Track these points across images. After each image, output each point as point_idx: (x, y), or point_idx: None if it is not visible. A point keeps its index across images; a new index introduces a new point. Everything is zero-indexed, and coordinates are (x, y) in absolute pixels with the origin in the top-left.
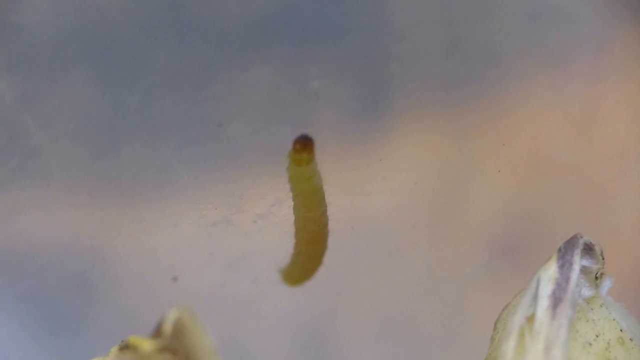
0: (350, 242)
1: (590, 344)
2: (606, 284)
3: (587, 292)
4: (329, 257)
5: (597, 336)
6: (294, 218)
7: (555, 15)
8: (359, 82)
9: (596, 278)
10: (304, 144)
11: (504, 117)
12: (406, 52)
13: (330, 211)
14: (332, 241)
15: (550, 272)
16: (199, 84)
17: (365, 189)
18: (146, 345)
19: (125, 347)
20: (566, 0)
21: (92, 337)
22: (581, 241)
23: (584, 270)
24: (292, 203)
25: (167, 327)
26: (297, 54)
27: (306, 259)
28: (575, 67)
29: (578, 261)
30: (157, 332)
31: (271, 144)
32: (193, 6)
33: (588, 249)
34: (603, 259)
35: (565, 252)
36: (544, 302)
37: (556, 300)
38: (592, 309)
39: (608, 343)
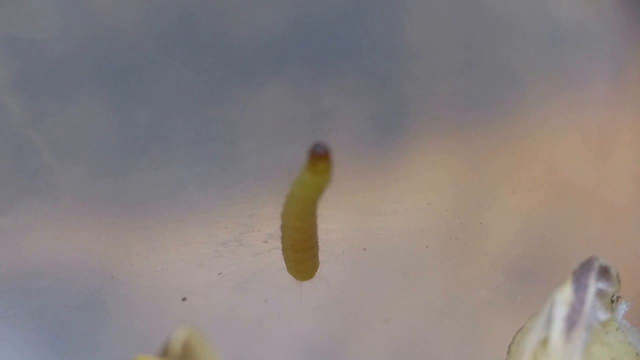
0: (362, 263)
1: None
2: (622, 307)
3: (602, 315)
4: (340, 278)
5: None
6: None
7: (573, 37)
8: (372, 101)
9: (612, 301)
10: (322, 154)
11: (520, 138)
12: (421, 71)
13: (343, 231)
14: (344, 262)
15: (565, 295)
16: (210, 102)
17: (378, 210)
18: None
19: None
20: (584, 22)
21: (100, 357)
22: (597, 264)
23: (599, 293)
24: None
25: (176, 347)
26: (310, 72)
27: (295, 263)
28: (592, 89)
29: (593, 284)
30: (165, 352)
31: (283, 163)
32: (204, 24)
33: (604, 272)
34: (619, 282)
35: (580, 274)
36: (558, 325)
37: (571, 323)
38: (607, 333)
39: None
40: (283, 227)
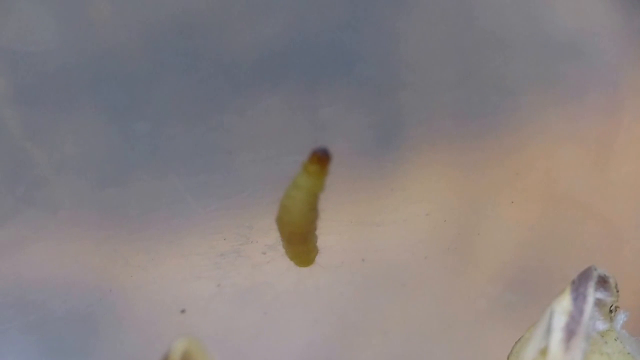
0: (360, 274)
1: None
2: (621, 317)
3: (601, 325)
4: (339, 290)
5: None
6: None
7: (570, 47)
8: (370, 111)
9: (610, 311)
10: (323, 156)
11: (518, 149)
12: (418, 81)
13: (341, 242)
14: (343, 273)
15: (564, 305)
16: (209, 112)
17: (376, 220)
18: None
19: None
20: (580, 33)
21: None
22: (595, 273)
23: (598, 303)
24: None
25: (175, 358)
26: (308, 83)
27: (294, 255)
28: (590, 99)
29: (592, 294)
30: None
31: (281, 174)
32: (203, 35)
33: (602, 282)
34: (618, 291)
35: (579, 284)
36: (557, 335)
37: (570, 333)
38: (606, 343)
39: None
40: (281, 232)
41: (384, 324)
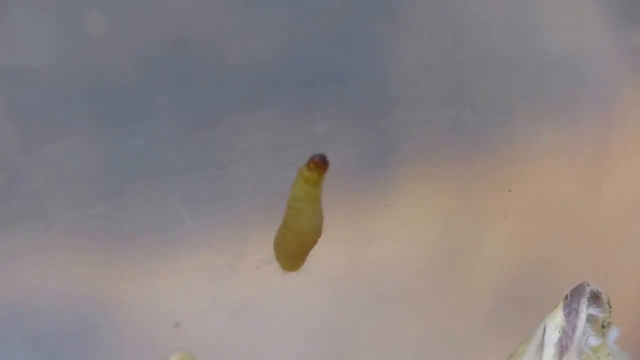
0: (354, 289)
1: None
2: (613, 333)
3: (593, 340)
4: (332, 304)
5: None
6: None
7: (564, 62)
8: (364, 126)
9: (603, 327)
10: (318, 164)
11: (511, 164)
12: (412, 97)
13: (335, 257)
14: (337, 289)
15: (556, 320)
16: (202, 127)
17: (369, 235)
18: None
19: None
20: (574, 48)
21: None
22: (588, 289)
23: (590, 318)
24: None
25: None
26: (302, 97)
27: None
28: (583, 113)
29: (585, 309)
30: None
31: (275, 188)
32: (197, 48)
33: (595, 298)
34: (610, 307)
35: (572, 300)
36: (550, 350)
37: (562, 348)
38: (598, 358)
39: None
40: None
41: (377, 338)
